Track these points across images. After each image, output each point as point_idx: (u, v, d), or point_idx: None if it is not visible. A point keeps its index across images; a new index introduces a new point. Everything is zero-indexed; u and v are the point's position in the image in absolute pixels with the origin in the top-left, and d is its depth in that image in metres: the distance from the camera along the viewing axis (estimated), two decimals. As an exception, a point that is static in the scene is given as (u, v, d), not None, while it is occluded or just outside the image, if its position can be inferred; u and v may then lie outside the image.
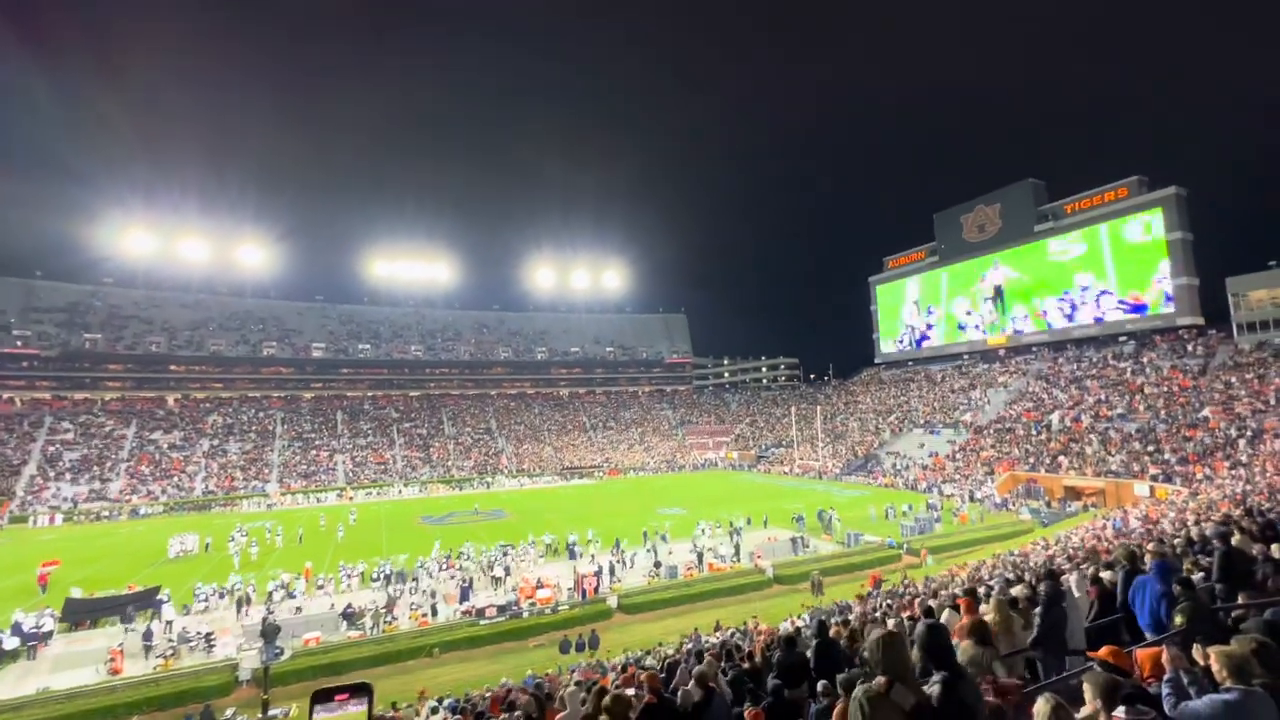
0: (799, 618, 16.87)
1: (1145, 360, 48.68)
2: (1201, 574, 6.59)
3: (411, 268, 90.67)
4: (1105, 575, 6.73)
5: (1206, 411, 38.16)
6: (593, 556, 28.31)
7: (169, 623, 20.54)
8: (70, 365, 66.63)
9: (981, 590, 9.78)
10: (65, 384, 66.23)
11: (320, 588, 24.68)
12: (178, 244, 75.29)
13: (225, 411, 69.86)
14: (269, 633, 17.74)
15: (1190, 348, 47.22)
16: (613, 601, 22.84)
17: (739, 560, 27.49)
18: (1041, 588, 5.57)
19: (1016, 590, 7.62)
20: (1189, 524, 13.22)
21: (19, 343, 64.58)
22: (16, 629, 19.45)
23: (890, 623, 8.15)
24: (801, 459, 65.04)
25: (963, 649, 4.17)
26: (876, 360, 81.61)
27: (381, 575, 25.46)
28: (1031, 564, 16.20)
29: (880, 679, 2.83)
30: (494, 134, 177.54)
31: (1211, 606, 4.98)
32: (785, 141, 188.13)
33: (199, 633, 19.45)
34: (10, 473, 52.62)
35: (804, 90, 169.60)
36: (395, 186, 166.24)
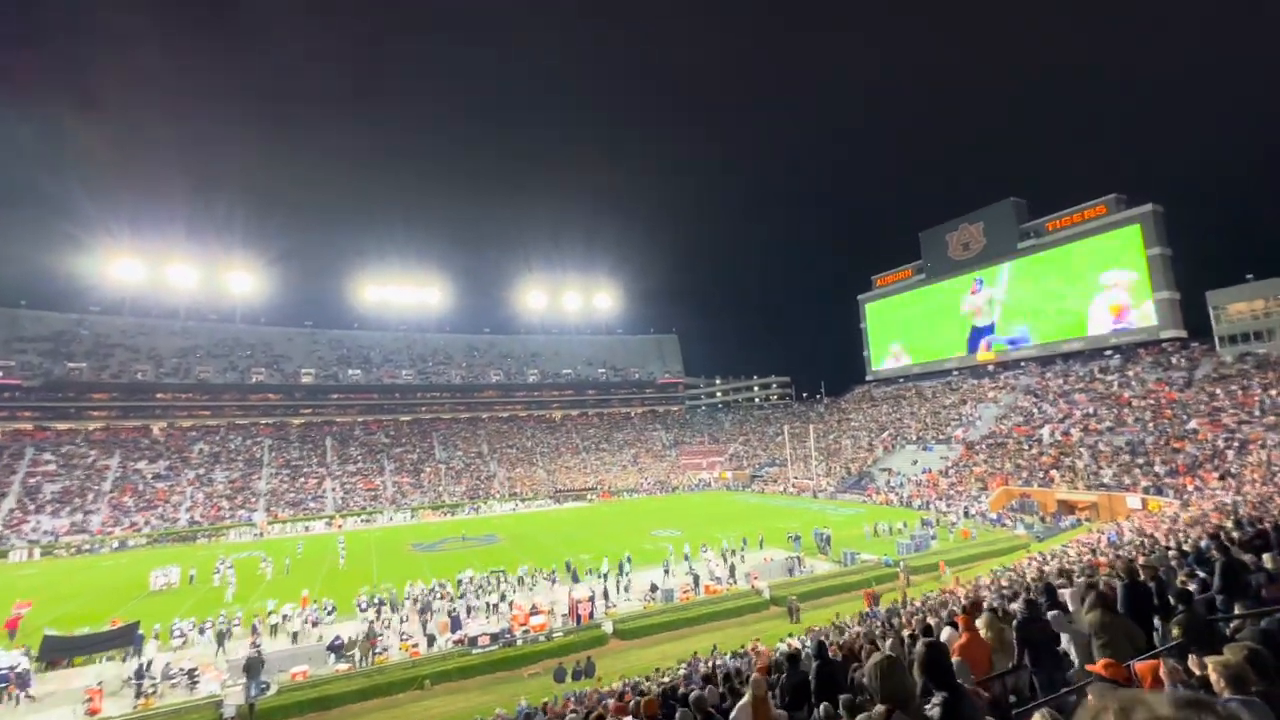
0: (797, 639, 16.64)
1: (1131, 374, 49.30)
2: (1196, 585, 6.60)
3: (402, 292, 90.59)
4: (1102, 584, 6.72)
5: (1194, 423, 38.56)
6: (603, 577, 28.07)
7: (149, 661, 19.83)
8: (53, 395, 65.59)
9: (984, 605, 9.72)
10: (48, 414, 65.08)
11: (311, 623, 23.79)
12: (165, 271, 74.93)
13: (212, 440, 68.81)
14: (251, 667, 17.24)
15: (1174, 360, 47.93)
16: (608, 627, 22.43)
17: (734, 582, 27.19)
18: (1017, 605, 5.56)
19: (1015, 605, 7.58)
20: (1181, 536, 13.27)
21: (1, 373, 63.58)
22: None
23: (888, 642, 8.06)
24: (796, 478, 64.81)
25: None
26: (868, 378, 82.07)
27: (371, 605, 24.90)
28: (1027, 579, 16.14)
29: (880, 709, 2.79)
30: (484, 157, 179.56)
31: (1209, 617, 4.97)
32: (775, 162, 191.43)
33: (181, 669, 18.85)
34: (-12, 506, 51.30)
35: (795, 112, 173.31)
36: (385, 211, 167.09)
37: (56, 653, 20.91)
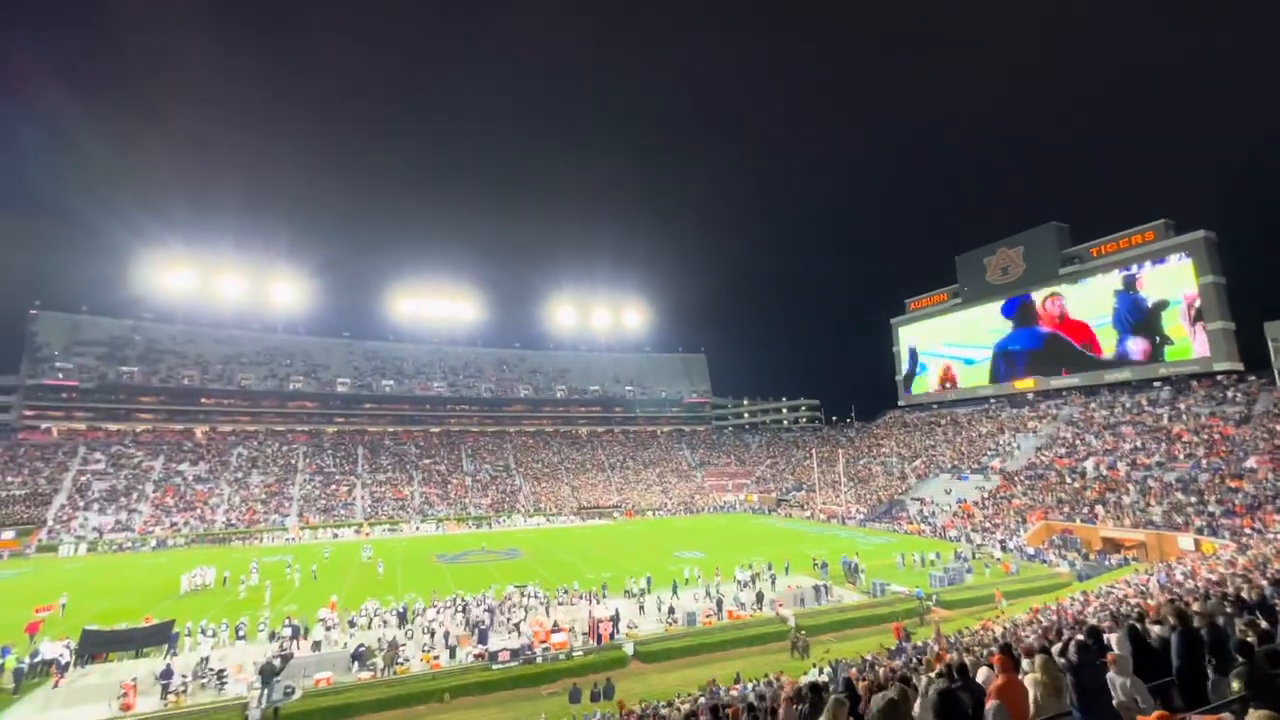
0: (822, 671, 16.13)
1: (1182, 406, 47.03)
2: (1257, 635, 6.18)
3: (436, 306, 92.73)
4: (1155, 629, 6.34)
5: (1252, 461, 36.48)
6: (640, 593, 28.18)
7: (171, 663, 20.14)
8: (106, 397, 68.76)
9: (1022, 647, 9.27)
10: (100, 415, 68.21)
11: (330, 628, 24.05)
12: (215, 281, 78.46)
13: (250, 444, 71.02)
14: (266, 673, 17.53)
15: (1230, 394, 45.56)
16: (629, 648, 22.13)
17: (760, 608, 26.55)
18: (1072, 648, 5.27)
19: (1056, 649, 7.22)
20: (1240, 580, 12.48)
21: (60, 374, 67.05)
22: (34, 656, 19.57)
23: (922, 680, 7.75)
24: (824, 503, 63.38)
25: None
26: (900, 403, 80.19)
27: (394, 614, 25.12)
28: (1071, 620, 15.38)
29: None
30: (519, 177, 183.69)
31: (1271, 671, 4.65)
32: (808, 182, 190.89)
33: (211, 669, 19.25)
34: (42, 502, 53.80)
35: (828, 132, 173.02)
36: (422, 227, 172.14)
37: (95, 647, 21.61)
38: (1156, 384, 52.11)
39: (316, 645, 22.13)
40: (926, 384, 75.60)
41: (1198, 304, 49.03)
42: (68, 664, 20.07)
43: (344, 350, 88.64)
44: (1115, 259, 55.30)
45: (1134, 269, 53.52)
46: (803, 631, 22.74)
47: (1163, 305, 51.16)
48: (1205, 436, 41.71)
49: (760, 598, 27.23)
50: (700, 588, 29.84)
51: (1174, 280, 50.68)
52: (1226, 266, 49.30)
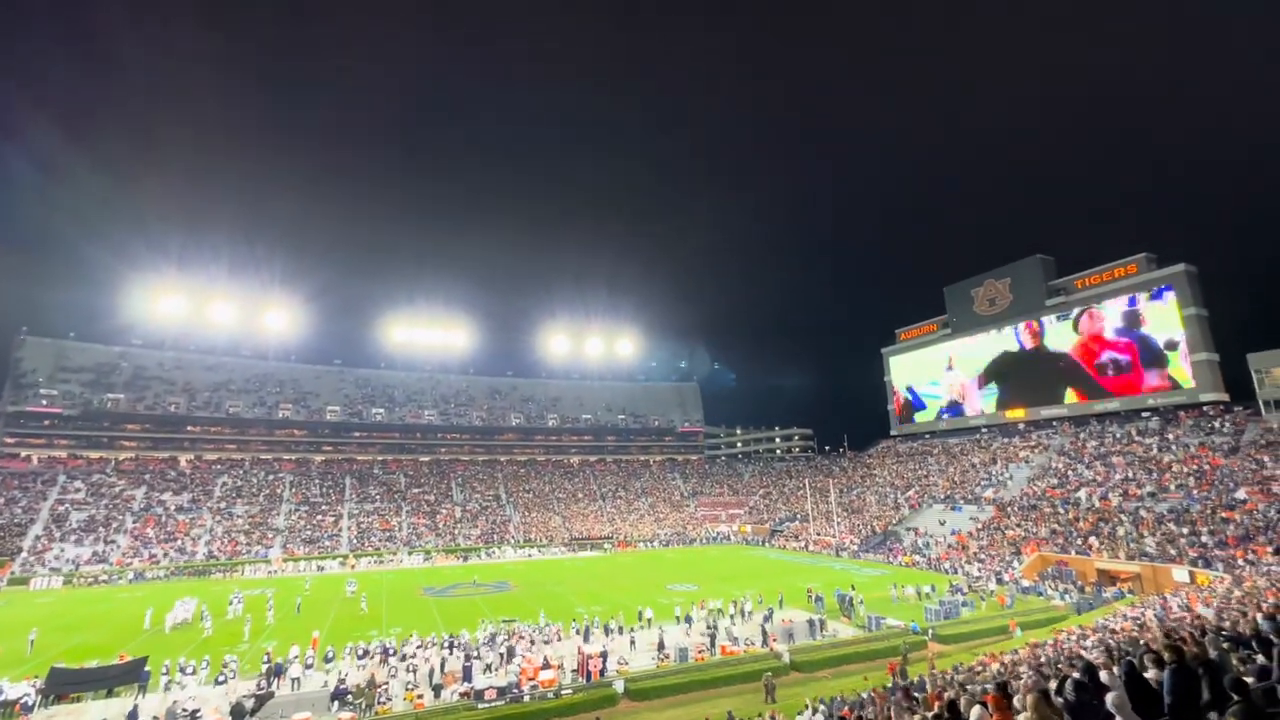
0: (815, 711, 15.73)
1: (1171, 437, 47.37)
2: (1253, 671, 6.12)
3: (428, 334, 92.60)
4: (1151, 666, 6.25)
5: (1242, 492, 36.61)
6: (631, 630, 27.45)
7: (190, 698, 19.26)
8: (90, 424, 67.66)
9: (1018, 684, 9.11)
10: (82, 443, 67.02)
11: (308, 667, 23.22)
12: (206, 308, 77.98)
13: (236, 473, 69.75)
14: (236, 713, 16.99)
15: (1218, 424, 45.99)
16: (619, 686, 21.51)
17: (753, 644, 25.95)
18: (1069, 686, 5.18)
19: (1052, 685, 7.09)
20: (1235, 614, 12.39)
21: (44, 401, 66.03)
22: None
23: (916, 719, 7.56)
24: (818, 534, 62.74)
25: None
26: (892, 432, 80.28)
27: (377, 651, 24.37)
28: (1067, 655, 15.14)
29: None
30: (514, 206, 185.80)
31: (1269, 709, 4.59)
32: (799, 212, 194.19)
33: (185, 710, 18.49)
34: (17, 532, 52.31)
35: (818, 162, 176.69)
36: (416, 254, 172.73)
37: (63, 686, 20.74)
38: (1144, 415, 52.55)
39: (295, 683, 21.38)
40: (917, 413, 75.83)
41: (1183, 336, 49.75)
42: (33, 705, 19.22)
43: (334, 378, 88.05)
44: (1099, 291, 56.36)
45: (1124, 302, 54.40)
46: (769, 674, 21.86)
47: (1173, 345, 50.38)
48: (1195, 467, 41.92)
49: (765, 634, 26.61)
50: (701, 623, 29.19)
51: (1157, 311, 51.46)
52: (1208, 299, 50.29)
